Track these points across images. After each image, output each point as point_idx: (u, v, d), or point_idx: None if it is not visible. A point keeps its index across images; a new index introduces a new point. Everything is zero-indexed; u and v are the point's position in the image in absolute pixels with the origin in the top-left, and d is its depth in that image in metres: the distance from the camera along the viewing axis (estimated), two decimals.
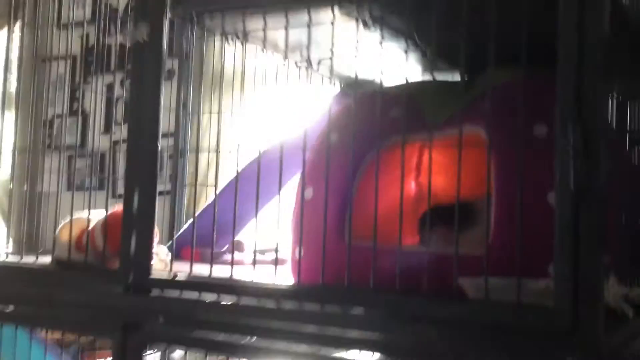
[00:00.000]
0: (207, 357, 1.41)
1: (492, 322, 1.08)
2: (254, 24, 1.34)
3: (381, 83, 1.70)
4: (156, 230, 1.38)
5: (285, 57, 1.42)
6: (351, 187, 1.46)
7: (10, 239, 2.12)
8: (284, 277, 1.41)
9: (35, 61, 1.75)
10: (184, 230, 2.08)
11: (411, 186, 1.75)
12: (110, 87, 3.28)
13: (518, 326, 1.05)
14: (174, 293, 1.32)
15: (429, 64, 1.33)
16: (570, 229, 0.97)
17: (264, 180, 1.45)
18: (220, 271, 1.39)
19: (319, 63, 1.45)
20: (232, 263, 1.39)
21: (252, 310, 1.26)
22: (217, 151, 1.41)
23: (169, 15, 1.34)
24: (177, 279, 1.33)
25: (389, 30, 1.33)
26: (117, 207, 1.46)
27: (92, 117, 2.60)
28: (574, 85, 0.98)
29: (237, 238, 2.05)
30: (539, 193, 1.26)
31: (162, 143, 1.36)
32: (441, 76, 1.62)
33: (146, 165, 1.36)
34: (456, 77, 1.64)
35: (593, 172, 0.96)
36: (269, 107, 1.53)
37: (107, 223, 1.41)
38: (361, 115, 1.46)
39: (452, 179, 1.29)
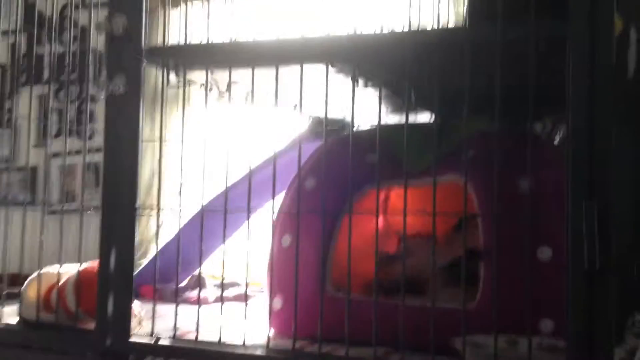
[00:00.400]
0: None
1: None
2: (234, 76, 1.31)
3: (352, 124, 1.70)
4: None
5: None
6: (330, 235, 1.44)
7: None
8: (262, 329, 1.38)
9: None
10: (143, 268, 2.01)
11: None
12: (43, 98, 3.15)
13: None
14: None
15: (401, 107, 1.31)
16: (583, 308, 0.98)
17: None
18: (205, 331, 1.34)
19: (294, 107, 1.41)
20: (198, 303, 1.35)
21: None
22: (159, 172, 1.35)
23: (144, 65, 1.28)
24: (160, 343, 1.28)
25: (373, 82, 1.31)
26: (90, 264, 1.39)
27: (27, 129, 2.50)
28: (588, 164, 0.99)
29: (197, 273, 2.01)
30: (527, 249, 1.27)
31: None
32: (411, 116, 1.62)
33: (123, 222, 1.30)
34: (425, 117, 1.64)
35: (606, 251, 0.96)
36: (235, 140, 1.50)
37: (80, 281, 1.34)
38: (338, 161, 1.44)
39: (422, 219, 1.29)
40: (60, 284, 1.38)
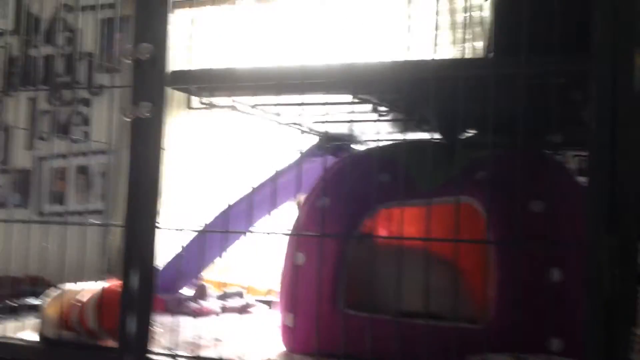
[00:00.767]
0: None
1: None
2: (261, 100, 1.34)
3: (358, 140, 1.74)
4: None
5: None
6: (344, 253, 1.47)
7: None
8: (272, 344, 1.40)
9: None
10: None
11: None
12: (34, 101, 3.14)
13: None
14: None
15: (408, 127, 1.35)
16: (600, 335, 1.03)
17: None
18: (218, 345, 1.36)
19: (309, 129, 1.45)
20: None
21: None
22: None
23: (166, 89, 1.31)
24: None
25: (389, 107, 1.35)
26: (109, 283, 1.42)
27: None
28: (609, 197, 1.03)
29: (199, 282, 2.03)
30: (538, 270, 1.32)
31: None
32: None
33: (145, 241, 1.32)
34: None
35: (628, 280, 1.01)
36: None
37: (101, 300, 1.36)
38: (352, 180, 1.48)
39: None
40: (82, 302, 1.40)
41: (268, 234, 1.33)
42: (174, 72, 1.34)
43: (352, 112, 1.47)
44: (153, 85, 1.29)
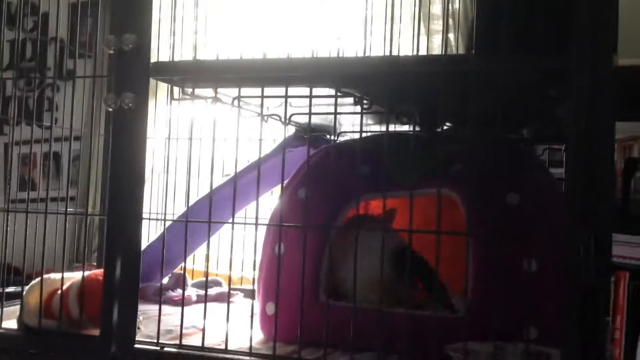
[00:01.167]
0: None
1: None
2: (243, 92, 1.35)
3: (335, 132, 1.76)
4: None
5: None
6: (324, 243, 1.49)
7: None
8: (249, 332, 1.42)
9: None
10: None
11: None
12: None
13: None
14: None
15: (387, 120, 1.37)
16: (578, 322, 1.06)
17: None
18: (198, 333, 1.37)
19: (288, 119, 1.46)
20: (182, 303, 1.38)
21: None
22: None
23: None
24: (165, 349, 1.32)
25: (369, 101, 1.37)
26: (94, 271, 1.42)
27: None
28: (585, 191, 1.06)
29: (177, 271, 2.04)
30: (515, 259, 1.36)
31: None
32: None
33: (129, 230, 1.33)
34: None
35: (602, 271, 1.05)
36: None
37: (83, 288, 1.37)
38: (332, 171, 1.50)
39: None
40: (62, 290, 1.40)
41: (256, 225, 1.34)
42: (157, 63, 1.34)
43: (331, 104, 1.48)
44: (136, 76, 1.30)
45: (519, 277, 1.34)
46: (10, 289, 1.56)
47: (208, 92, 1.42)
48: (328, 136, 1.84)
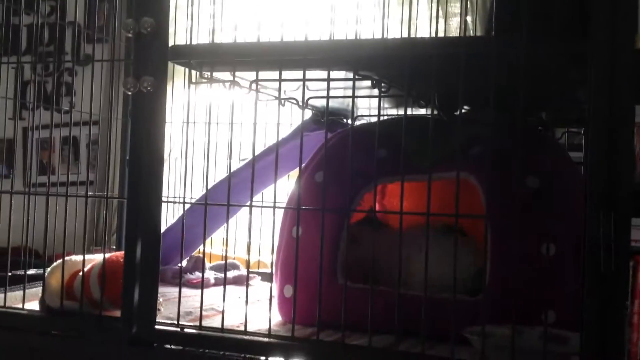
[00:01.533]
0: None
1: None
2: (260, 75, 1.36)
3: (352, 115, 1.75)
4: None
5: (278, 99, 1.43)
6: (341, 226, 1.49)
7: None
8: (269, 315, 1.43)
9: None
10: None
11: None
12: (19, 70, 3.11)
13: None
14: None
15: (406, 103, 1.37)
16: (597, 307, 1.06)
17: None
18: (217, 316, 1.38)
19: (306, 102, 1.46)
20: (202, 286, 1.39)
21: None
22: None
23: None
24: (185, 330, 1.34)
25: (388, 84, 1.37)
26: (115, 253, 1.44)
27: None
28: (606, 174, 1.06)
29: (195, 254, 2.05)
30: (533, 244, 1.35)
31: None
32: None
33: (149, 212, 1.34)
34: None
35: (621, 255, 1.05)
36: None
37: (105, 270, 1.38)
38: (350, 155, 1.49)
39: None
40: (84, 272, 1.41)
41: (274, 207, 1.34)
42: (175, 47, 1.35)
43: (348, 88, 1.48)
44: (155, 60, 1.30)
45: (538, 261, 1.34)
46: (32, 272, 1.58)
47: (225, 75, 1.42)
48: (345, 120, 1.84)
